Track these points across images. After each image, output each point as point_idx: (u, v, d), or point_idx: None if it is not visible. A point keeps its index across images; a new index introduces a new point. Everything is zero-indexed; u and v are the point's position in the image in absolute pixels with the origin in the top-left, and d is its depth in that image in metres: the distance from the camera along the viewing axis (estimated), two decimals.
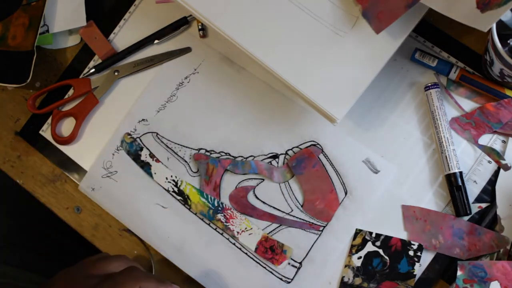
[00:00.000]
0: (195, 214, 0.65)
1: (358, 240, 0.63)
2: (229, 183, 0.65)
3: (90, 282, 0.52)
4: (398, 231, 0.62)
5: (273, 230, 0.64)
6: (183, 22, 0.68)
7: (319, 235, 0.63)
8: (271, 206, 0.64)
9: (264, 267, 0.64)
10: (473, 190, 0.62)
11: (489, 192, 0.62)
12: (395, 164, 0.63)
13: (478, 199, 0.62)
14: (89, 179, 0.67)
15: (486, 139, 0.62)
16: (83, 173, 0.68)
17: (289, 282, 0.63)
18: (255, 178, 0.65)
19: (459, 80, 0.62)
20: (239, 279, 0.64)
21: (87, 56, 0.70)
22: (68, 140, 0.68)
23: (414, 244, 0.61)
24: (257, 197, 0.65)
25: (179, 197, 0.66)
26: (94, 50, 0.69)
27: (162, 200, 0.66)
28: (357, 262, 0.62)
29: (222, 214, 0.65)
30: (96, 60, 0.70)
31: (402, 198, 0.63)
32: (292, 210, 0.64)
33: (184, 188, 0.66)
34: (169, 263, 0.65)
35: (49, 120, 0.69)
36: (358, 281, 0.62)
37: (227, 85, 0.67)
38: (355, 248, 0.62)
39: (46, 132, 0.69)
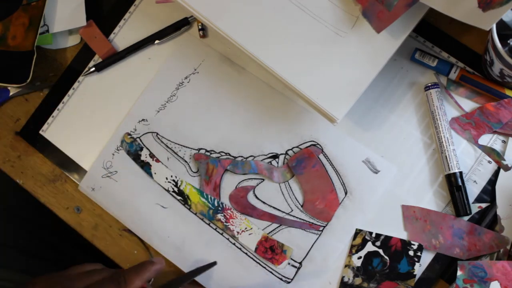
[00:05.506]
0: (195, 214, 0.65)
1: (358, 240, 0.63)
2: (229, 183, 0.65)
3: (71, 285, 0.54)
4: (398, 231, 0.62)
5: (273, 230, 0.64)
6: (184, 23, 0.68)
7: (319, 235, 0.63)
8: (271, 206, 0.64)
9: (264, 267, 0.64)
10: (473, 190, 0.62)
11: (489, 192, 0.62)
12: (395, 164, 0.63)
13: (478, 199, 0.62)
14: (89, 179, 0.67)
15: (486, 139, 0.62)
16: (83, 173, 0.68)
17: (289, 282, 0.63)
18: (255, 178, 0.65)
19: (459, 80, 0.62)
20: (239, 279, 0.64)
21: (87, 56, 0.70)
22: None
23: (414, 244, 0.61)
24: (257, 197, 0.65)
25: (179, 197, 0.66)
26: (94, 50, 0.69)
27: (162, 200, 0.66)
28: (357, 262, 0.62)
29: (222, 214, 0.65)
30: (96, 60, 0.70)
31: (402, 198, 0.63)
32: (292, 210, 0.64)
33: (184, 188, 0.66)
34: (169, 263, 0.65)
35: (49, 120, 0.69)
36: (358, 281, 0.62)
37: (227, 85, 0.67)
38: (355, 248, 0.62)
39: (46, 132, 0.69)
